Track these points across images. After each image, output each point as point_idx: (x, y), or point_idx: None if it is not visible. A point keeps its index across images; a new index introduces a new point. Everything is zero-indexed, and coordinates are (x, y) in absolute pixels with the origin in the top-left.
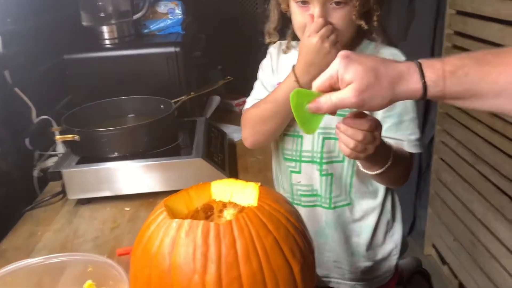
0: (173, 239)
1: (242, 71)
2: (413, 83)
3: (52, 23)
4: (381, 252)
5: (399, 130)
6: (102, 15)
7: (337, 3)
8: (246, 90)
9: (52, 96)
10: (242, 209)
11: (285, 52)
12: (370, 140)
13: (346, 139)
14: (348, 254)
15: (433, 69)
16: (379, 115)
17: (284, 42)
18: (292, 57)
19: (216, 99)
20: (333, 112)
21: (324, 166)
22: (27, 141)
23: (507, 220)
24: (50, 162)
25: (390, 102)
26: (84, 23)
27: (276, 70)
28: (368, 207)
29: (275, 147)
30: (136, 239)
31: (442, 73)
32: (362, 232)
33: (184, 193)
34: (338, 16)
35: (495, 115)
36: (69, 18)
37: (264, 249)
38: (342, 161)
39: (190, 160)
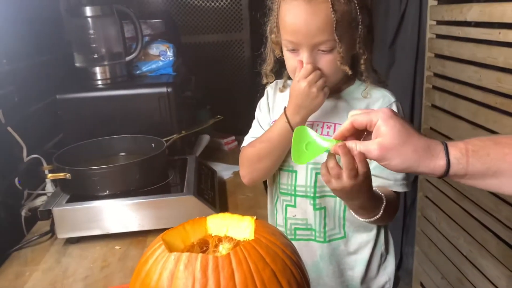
0: (172, 272)
1: (230, 111)
2: (438, 159)
3: (45, 64)
4: (375, 285)
5: (386, 169)
6: (95, 56)
7: (323, 50)
8: (234, 129)
9: (43, 135)
10: (237, 244)
11: (281, 91)
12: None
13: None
14: None
15: (457, 147)
16: None
17: (280, 81)
18: (287, 96)
19: (206, 138)
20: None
21: (317, 200)
22: (16, 180)
23: (492, 256)
24: (39, 201)
25: (407, 169)
26: (77, 64)
27: (272, 108)
28: (362, 240)
29: (271, 181)
30: (133, 274)
31: (466, 151)
32: (357, 265)
33: (181, 227)
34: (325, 62)
35: None
36: (62, 59)
37: (262, 282)
38: (335, 196)
39: (181, 197)
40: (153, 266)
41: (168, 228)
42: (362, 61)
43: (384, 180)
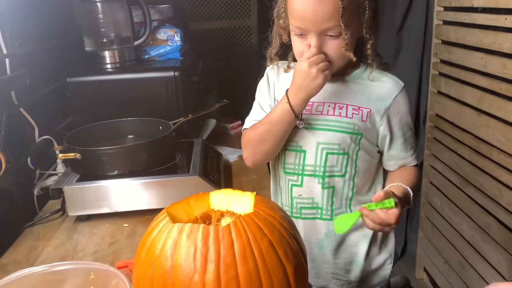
0: (175, 241)
1: (237, 96)
2: None
3: (56, 47)
4: (377, 262)
5: (406, 147)
6: (105, 40)
7: (331, 35)
8: (241, 114)
9: (54, 117)
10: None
11: (286, 71)
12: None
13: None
14: (346, 264)
15: None
16: (392, 134)
17: (282, 63)
18: (291, 76)
19: (212, 122)
20: None
21: (326, 179)
22: (29, 160)
23: (493, 241)
24: (50, 181)
25: None
26: (87, 48)
27: (274, 88)
28: None
29: (274, 162)
30: (139, 243)
31: None
32: (360, 242)
33: (185, 202)
34: (331, 47)
35: (479, 138)
36: (72, 43)
37: (260, 251)
38: (344, 175)
39: (187, 177)
40: (158, 235)
41: None
42: (369, 46)
43: (402, 160)
